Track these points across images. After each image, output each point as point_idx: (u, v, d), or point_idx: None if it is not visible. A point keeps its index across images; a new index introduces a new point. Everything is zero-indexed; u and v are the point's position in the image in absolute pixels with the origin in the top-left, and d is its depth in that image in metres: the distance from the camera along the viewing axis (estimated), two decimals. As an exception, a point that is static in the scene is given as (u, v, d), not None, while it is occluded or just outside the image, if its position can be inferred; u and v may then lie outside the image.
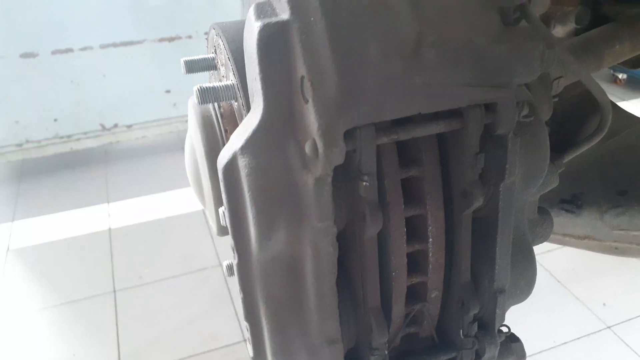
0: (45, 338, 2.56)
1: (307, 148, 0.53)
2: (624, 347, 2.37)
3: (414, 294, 0.65)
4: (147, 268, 3.07)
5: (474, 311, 0.64)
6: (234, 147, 0.56)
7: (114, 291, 2.93)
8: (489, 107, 0.57)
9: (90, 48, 3.36)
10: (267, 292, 0.60)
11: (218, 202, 0.80)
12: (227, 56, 0.77)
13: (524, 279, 0.68)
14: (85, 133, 3.64)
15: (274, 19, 0.53)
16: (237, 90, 0.74)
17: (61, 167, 3.85)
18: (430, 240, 0.61)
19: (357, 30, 0.51)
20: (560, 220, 1.03)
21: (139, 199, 3.57)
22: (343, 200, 0.59)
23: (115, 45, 3.37)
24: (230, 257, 0.68)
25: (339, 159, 0.52)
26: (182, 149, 1.06)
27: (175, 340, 2.61)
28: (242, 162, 0.55)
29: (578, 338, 2.42)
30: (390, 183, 0.58)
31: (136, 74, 3.52)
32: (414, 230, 0.62)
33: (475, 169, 0.58)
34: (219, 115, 0.82)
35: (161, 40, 3.45)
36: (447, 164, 0.61)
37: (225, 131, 0.81)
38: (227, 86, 0.77)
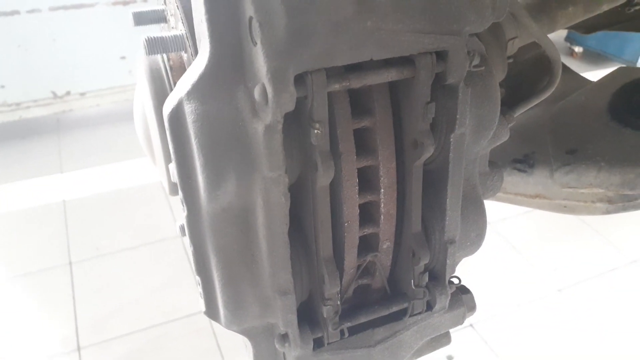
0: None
1: (257, 93, 0.51)
2: (573, 309, 2.49)
3: (366, 245, 0.65)
4: (104, 240, 3.01)
5: (425, 261, 0.64)
6: (180, 93, 0.54)
7: (70, 263, 2.86)
8: (440, 56, 0.57)
9: (39, 10, 3.20)
10: (218, 245, 0.59)
11: (168, 159, 0.78)
12: (175, 5, 0.74)
13: (474, 230, 0.69)
14: (35, 101, 3.49)
15: None
16: (186, 40, 0.71)
17: (10, 137, 3.69)
18: (382, 190, 0.61)
19: None
20: (513, 179, 1.05)
21: (94, 169, 3.47)
22: (295, 150, 0.58)
23: (65, 7, 3.21)
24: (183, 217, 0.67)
25: (289, 104, 0.51)
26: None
27: (135, 312, 2.58)
28: (188, 109, 0.53)
29: (531, 301, 2.52)
30: (343, 132, 0.57)
31: (89, 39, 3.38)
32: (366, 180, 0.62)
33: (426, 118, 0.58)
34: (168, 67, 0.79)
35: (115, 3, 3.31)
36: (399, 115, 0.61)
37: (175, 84, 0.78)
38: (176, 36, 0.74)
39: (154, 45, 0.73)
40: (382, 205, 0.61)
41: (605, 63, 4.67)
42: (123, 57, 3.53)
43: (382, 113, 0.59)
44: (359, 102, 0.60)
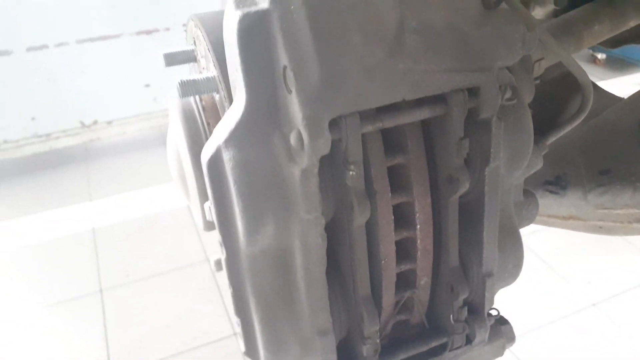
0: (33, 340, 2.53)
1: (292, 139, 0.52)
2: (609, 323, 2.42)
3: (404, 281, 0.65)
4: (134, 266, 3.05)
5: (464, 296, 0.64)
6: (218, 141, 0.56)
7: (101, 290, 2.91)
8: (472, 92, 0.57)
9: (67, 44, 3.30)
10: (256, 286, 0.59)
11: (203, 197, 0.80)
12: (206, 48, 0.76)
13: (511, 261, 0.68)
14: (64, 131, 3.58)
15: (253, 8, 0.52)
16: (218, 82, 0.73)
17: (41, 167, 3.78)
18: (418, 227, 0.61)
19: (338, 17, 0.51)
20: (545, 201, 1.03)
21: (122, 196, 3.53)
22: (330, 189, 0.58)
23: (92, 40, 3.31)
24: (218, 252, 0.68)
25: (324, 149, 0.52)
26: (164, 144, 1.05)
27: (165, 337, 2.60)
28: (226, 156, 0.55)
29: (565, 316, 2.46)
30: (377, 171, 0.58)
31: (114, 69, 3.46)
32: (402, 217, 0.62)
33: (460, 154, 0.58)
34: (200, 108, 0.80)
35: (139, 33, 3.39)
36: (431, 150, 0.61)
37: (208, 124, 0.80)
38: (208, 78, 0.76)
39: (187, 88, 0.74)
40: (418, 242, 0.62)
41: (630, 69, 4.59)
42: (147, 85, 3.61)
43: (415, 150, 0.59)
44: (391, 139, 0.60)
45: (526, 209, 0.71)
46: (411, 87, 0.54)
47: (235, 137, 0.54)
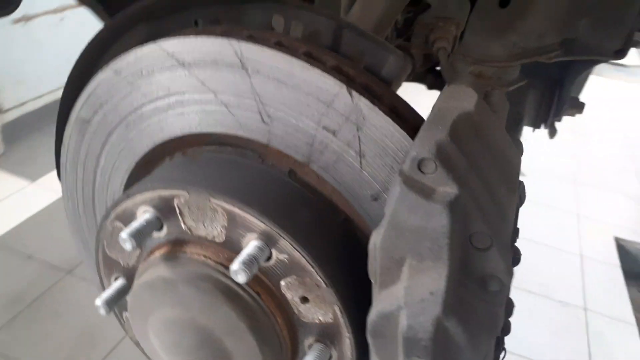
0: None
1: (493, 286, 0.64)
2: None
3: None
4: None
5: None
6: (433, 313, 0.61)
7: None
8: None
9: None
10: None
11: None
12: (294, 248, 0.70)
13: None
14: None
15: (447, 198, 0.60)
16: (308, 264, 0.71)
17: None
18: None
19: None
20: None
21: None
22: None
23: None
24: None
25: None
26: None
27: None
28: (451, 323, 0.61)
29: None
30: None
31: None
32: None
33: None
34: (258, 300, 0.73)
35: None
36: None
37: (258, 294, 0.73)
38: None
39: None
40: None
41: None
42: None
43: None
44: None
45: None
46: None
47: (450, 306, 0.61)
